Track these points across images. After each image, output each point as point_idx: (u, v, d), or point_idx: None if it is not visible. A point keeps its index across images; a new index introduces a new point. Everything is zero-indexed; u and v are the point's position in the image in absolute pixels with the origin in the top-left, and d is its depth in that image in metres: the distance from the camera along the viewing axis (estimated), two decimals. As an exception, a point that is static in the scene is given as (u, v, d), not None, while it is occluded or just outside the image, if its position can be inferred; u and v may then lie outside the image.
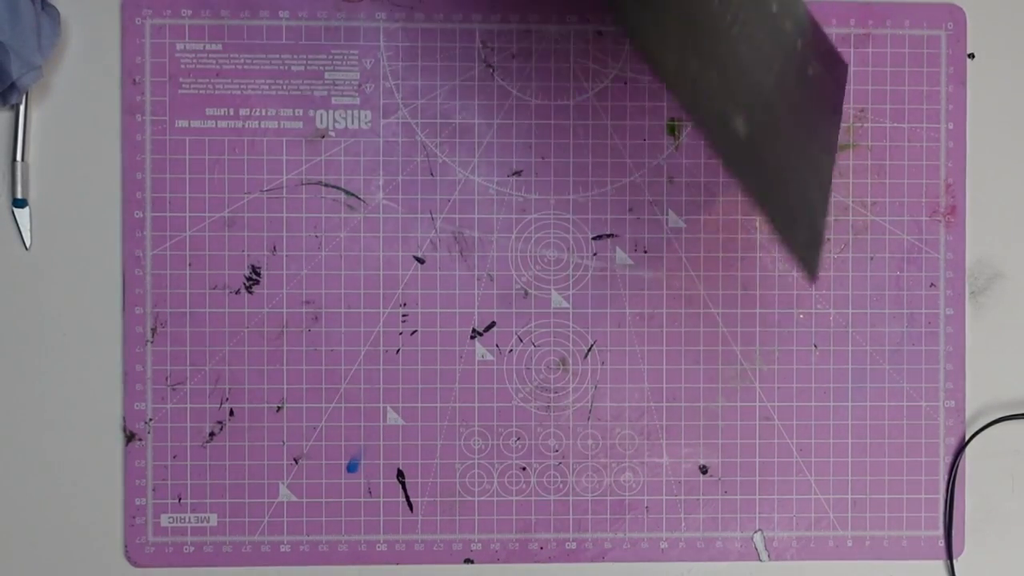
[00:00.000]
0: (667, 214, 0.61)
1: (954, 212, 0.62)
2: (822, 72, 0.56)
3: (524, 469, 0.61)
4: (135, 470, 0.60)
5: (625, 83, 0.61)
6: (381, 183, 0.60)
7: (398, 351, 0.60)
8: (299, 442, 0.60)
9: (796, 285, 0.61)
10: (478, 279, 0.61)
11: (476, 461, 0.61)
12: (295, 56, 0.60)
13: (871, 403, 0.61)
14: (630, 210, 0.61)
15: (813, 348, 0.61)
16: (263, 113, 0.60)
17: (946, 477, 0.62)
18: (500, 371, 0.61)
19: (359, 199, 0.60)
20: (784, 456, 0.61)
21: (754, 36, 0.52)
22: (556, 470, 0.61)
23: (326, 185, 0.60)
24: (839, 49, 0.61)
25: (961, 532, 0.62)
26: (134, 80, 0.59)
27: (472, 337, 0.60)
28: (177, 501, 0.60)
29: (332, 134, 0.60)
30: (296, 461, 0.60)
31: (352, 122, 0.60)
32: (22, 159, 0.59)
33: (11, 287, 0.60)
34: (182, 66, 0.60)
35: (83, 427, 0.60)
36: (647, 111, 0.61)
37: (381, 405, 0.60)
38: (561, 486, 0.61)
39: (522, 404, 0.61)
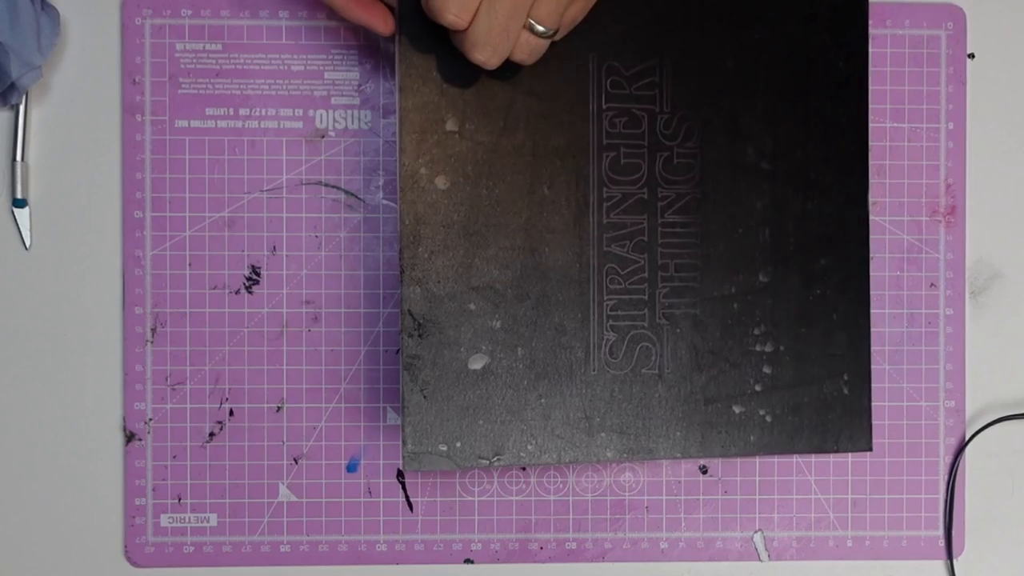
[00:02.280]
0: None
1: (954, 212, 0.62)
2: None
3: (524, 469, 0.61)
4: (135, 470, 0.60)
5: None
6: (381, 183, 0.60)
7: (398, 351, 0.60)
8: (299, 442, 0.60)
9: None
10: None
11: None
12: (295, 56, 0.60)
13: (871, 403, 0.61)
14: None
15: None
16: (263, 113, 0.60)
17: (946, 477, 0.62)
18: (500, 371, 0.61)
19: (359, 199, 0.60)
20: (784, 456, 0.61)
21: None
22: (556, 470, 0.61)
23: (326, 185, 0.60)
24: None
25: (961, 532, 0.62)
26: (134, 80, 0.59)
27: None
28: (177, 501, 0.60)
29: (332, 134, 0.60)
30: (296, 461, 0.60)
31: (352, 122, 0.60)
32: (22, 159, 0.59)
33: (11, 287, 0.60)
34: (182, 66, 0.60)
35: (83, 427, 0.60)
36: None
37: (381, 405, 0.60)
38: (561, 486, 0.61)
39: (522, 404, 0.61)
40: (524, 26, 0.50)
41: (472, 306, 0.55)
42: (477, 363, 0.56)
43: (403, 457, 0.54)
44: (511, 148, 0.55)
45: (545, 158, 0.56)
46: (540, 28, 0.50)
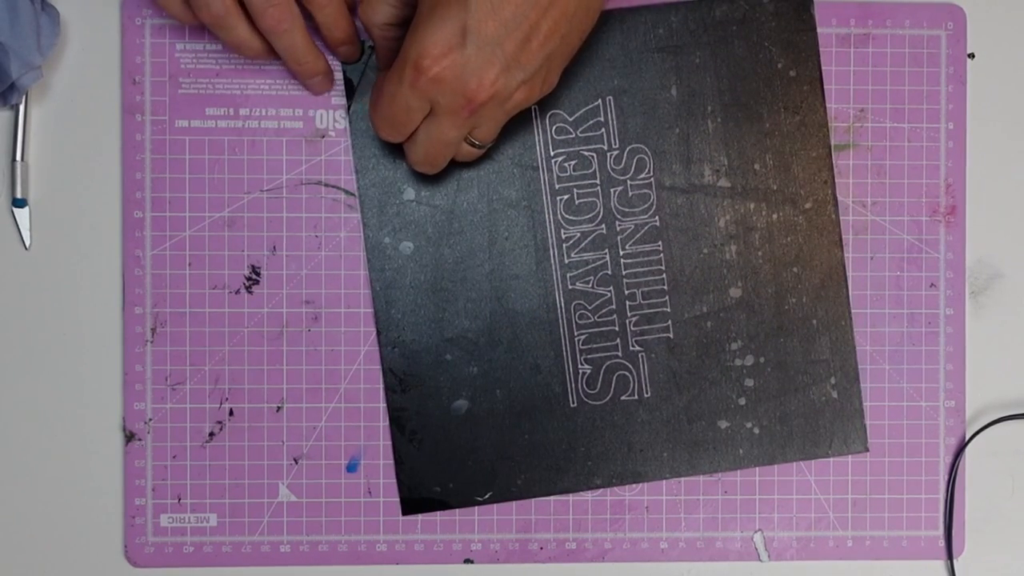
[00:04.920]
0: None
1: (954, 212, 0.62)
2: None
3: (524, 469, 0.61)
4: (135, 470, 0.60)
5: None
6: (381, 183, 0.60)
7: (398, 351, 0.60)
8: (299, 442, 0.60)
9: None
10: (478, 279, 0.61)
11: (476, 461, 0.61)
12: (295, 56, 0.60)
13: (871, 403, 0.61)
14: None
15: (813, 348, 0.61)
16: (263, 113, 0.60)
17: (946, 477, 0.62)
18: (500, 371, 0.61)
19: (359, 199, 0.60)
20: (784, 456, 0.61)
21: None
22: (556, 470, 0.61)
23: (326, 185, 0.60)
24: (840, 49, 0.61)
25: (961, 532, 0.62)
26: (134, 80, 0.59)
27: (472, 337, 0.61)
28: (177, 501, 0.60)
29: (332, 134, 0.60)
30: (296, 461, 0.60)
31: (352, 122, 0.60)
32: (22, 159, 0.59)
33: (11, 287, 0.60)
34: (182, 66, 0.59)
35: (83, 427, 0.60)
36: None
37: (381, 405, 0.60)
38: (561, 486, 0.61)
39: (522, 404, 0.61)
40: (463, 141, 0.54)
41: (448, 356, 0.58)
42: (460, 408, 0.59)
43: (401, 502, 0.59)
44: (467, 206, 0.58)
45: (500, 211, 0.58)
46: (478, 143, 0.54)
